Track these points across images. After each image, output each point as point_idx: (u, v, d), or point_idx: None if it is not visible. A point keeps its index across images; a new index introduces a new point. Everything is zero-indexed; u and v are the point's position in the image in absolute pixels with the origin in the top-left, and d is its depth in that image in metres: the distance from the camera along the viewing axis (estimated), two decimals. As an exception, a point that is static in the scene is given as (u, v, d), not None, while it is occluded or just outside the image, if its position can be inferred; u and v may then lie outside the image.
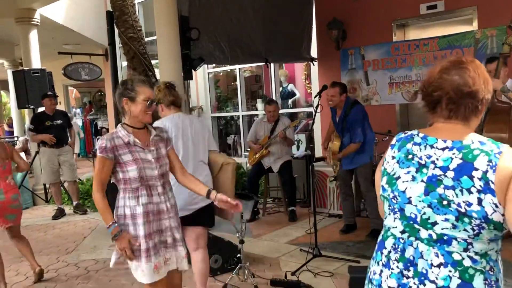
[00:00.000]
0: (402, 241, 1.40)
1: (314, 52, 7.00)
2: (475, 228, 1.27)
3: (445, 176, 1.31)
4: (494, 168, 1.25)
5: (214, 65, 8.88)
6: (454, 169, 1.30)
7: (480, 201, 1.26)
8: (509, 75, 4.17)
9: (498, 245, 1.36)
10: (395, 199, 1.41)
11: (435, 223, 1.33)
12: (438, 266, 1.33)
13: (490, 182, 1.25)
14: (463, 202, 1.27)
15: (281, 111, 6.34)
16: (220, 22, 5.91)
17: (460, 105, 1.35)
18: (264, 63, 6.86)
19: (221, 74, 9.95)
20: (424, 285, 1.34)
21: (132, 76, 2.54)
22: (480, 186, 1.26)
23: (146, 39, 6.30)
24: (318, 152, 6.46)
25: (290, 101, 8.70)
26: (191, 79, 5.63)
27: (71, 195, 6.90)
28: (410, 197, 1.37)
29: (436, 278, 1.33)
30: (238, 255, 3.84)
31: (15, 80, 7.29)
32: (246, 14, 6.19)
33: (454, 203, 1.29)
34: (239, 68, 8.88)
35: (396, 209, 1.42)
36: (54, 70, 8.37)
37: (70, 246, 5.19)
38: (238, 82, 8.98)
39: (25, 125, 10.83)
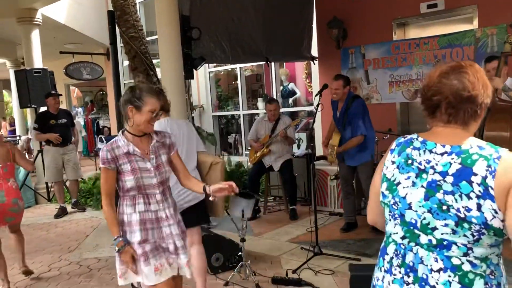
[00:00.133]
0: (403, 247, 1.40)
1: (314, 51, 7.01)
2: (475, 233, 1.27)
3: (445, 181, 1.31)
4: (493, 173, 1.25)
5: (215, 64, 8.89)
6: (453, 174, 1.30)
7: (479, 207, 1.25)
8: (510, 73, 4.17)
9: (500, 249, 1.34)
10: (396, 205, 1.40)
11: (435, 228, 1.32)
12: (438, 271, 1.32)
13: (490, 188, 1.24)
14: (463, 207, 1.27)
15: (281, 110, 6.35)
16: (221, 21, 5.92)
17: (459, 110, 1.34)
18: (264, 62, 6.86)
19: (222, 73, 9.96)
20: None
21: (140, 84, 2.51)
22: (479, 191, 1.25)
23: (147, 39, 6.32)
24: (319, 150, 6.47)
25: (290, 100, 8.72)
26: (192, 78, 5.65)
27: (71, 192, 6.93)
28: (411, 202, 1.36)
29: (436, 283, 1.32)
30: (240, 253, 3.86)
31: (17, 80, 7.32)
32: (247, 14, 6.21)
33: (453, 208, 1.28)
34: (240, 67, 8.89)
35: (397, 215, 1.41)
36: (56, 70, 8.39)
37: (72, 245, 5.22)
38: (239, 81, 8.99)
39: (28, 125, 10.87)
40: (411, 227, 1.38)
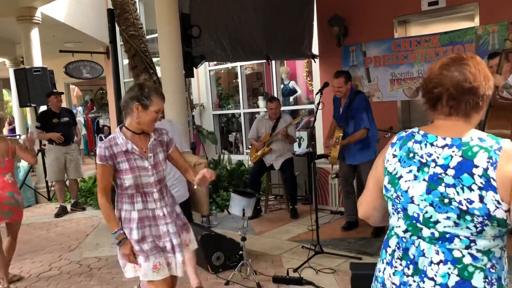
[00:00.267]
0: (405, 240, 1.40)
1: (315, 49, 6.99)
2: (477, 225, 1.26)
3: (446, 174, 1.30)
4: (494, 165, 1.24)
5: (215, 62, 8.87)
6: (454, 167, 1.29)
7: (481, 198, 1.24)
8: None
9: (504, 241, 1.34)
10: (398, 199, 1.40)
11: (437, 222, 1.32)
12: (438, 263, 1.32)
13: (491, 179, 1.23)
14: (464, 199, 1.26)
15: (282, 108, 6.34)
16: (221, 19, 5.91)
17: (461, 102, 1.33)
18: (265, 60, 6.85)
19: (222, 71, 9.95)
20: (424, 282, 1.34)
21: (147, 82, 2.51)
22: (481, 183, 1.24)
23: (147, 37, 6.32)
24: (320, 149, 6.46)
25: (291, 98, 8.71)
26: (193, 76, 5.64)
27: (71, 192, 6.92)
28: (413, 196, 1.36)
29: (435, 275, 1.32)
30: (240, 252, 3.85)
31: (16, 79, 7.30)
32: (247, 12, 6.20)
33: (455, 201, 1.28)
34: (240, 66, 8.88)
35: (399, 209, 1.41)
36: (56, 68, 8.38)
37: (72, 244, 5.21)
38: (239, 80, 8.98)
39: (28, 124, 10.86)
40: (414, 221, 1.37)
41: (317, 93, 4.41)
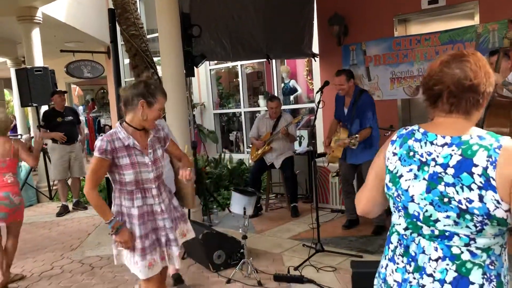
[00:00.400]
0: (406, 238, 1.41)
1: (315, 48, 7.00)
2: (477, 224, 1.26)
3: (446, 173, 1.29)
4: (494, 164, 1.23)
5: (215, 61, 8.88)
6: (454, 166, 1.28)
7: (481, 198, 1.23)
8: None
9: (504, 238, 1.33)
10: (399, 197, 1.40)
11: (437, 220, 1.32)
12: (436, 260, 1.33)
13: (491, 179, 1.22)
14: (464, 199, 1.26)
15: (283, 107, 6.35)
16: (221, 19, 5.92)
17: (461, 99, 1.32)
18: (265, 60, 6.86)
19: (223, 70, 9.96)
20: (423, 279, 1.34)
21: (152, 81, 2.53)
22: (481, 182, 1.24)
23: (148, 37, 6.33)
24: (320, 148, 6.47)
25: (292, 97, 8.72)
26: (193, 75, 5.65)
27: (73, 191, 6.93)
28: (413, 195, 1.36)
29: (434, 271, 1.33)
30: (241, 250, 3.87)
31: (18, 78, 7.31)
32: (247, 12, 6.20)
33: (454, 200, 1.27)
34: (240, 65, 8.88)
35: (400, 207, 1.41)
36: (57, 68, 8.39)
37: (74, 243, 5.23)
38: (240, 79, 8.99)
39: (29, 123, 10.87)
40: (414, 219, 1.38)
41: (317, 92, 4.42)
